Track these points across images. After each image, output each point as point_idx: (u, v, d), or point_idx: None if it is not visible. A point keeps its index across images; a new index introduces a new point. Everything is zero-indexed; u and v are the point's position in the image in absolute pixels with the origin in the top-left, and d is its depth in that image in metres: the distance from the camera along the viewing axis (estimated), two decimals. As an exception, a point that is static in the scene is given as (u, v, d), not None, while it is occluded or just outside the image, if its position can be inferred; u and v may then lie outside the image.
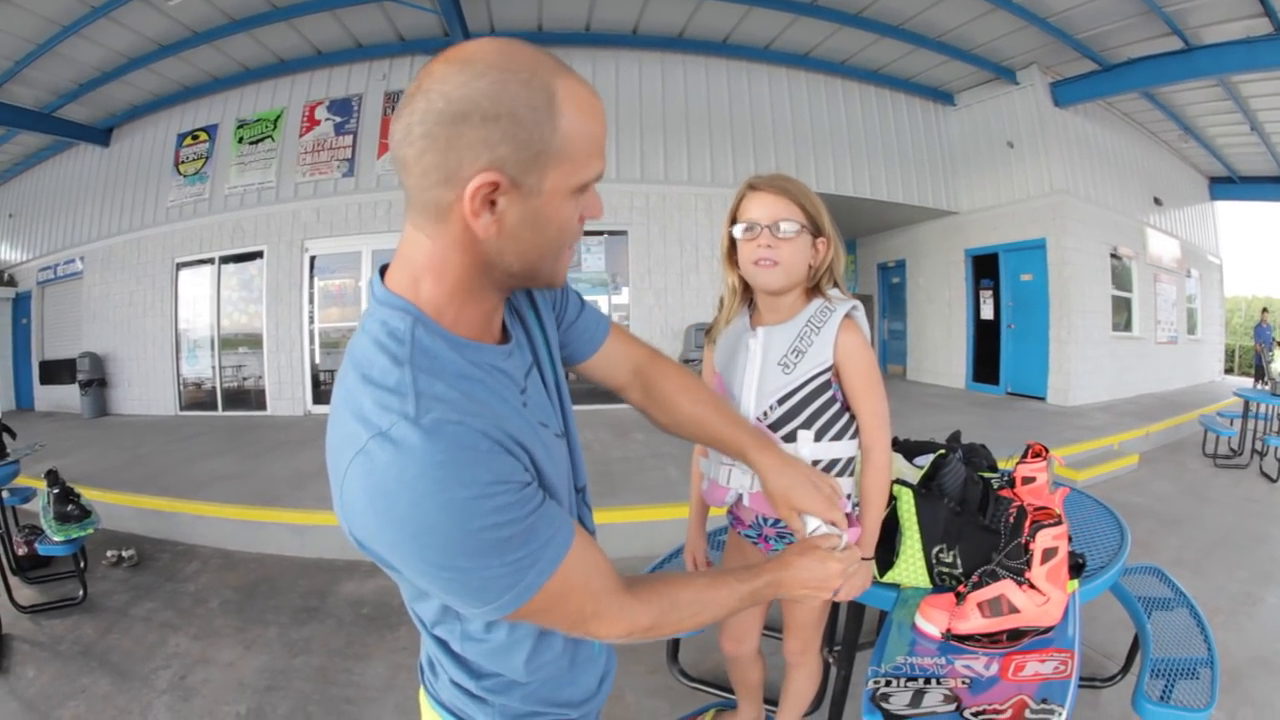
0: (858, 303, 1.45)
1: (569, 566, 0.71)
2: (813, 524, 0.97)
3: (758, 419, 1.45)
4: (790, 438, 1.41)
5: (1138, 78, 8.29)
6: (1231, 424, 6.67)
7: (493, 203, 0.67)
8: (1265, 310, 8.48)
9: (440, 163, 0.65)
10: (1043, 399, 9.10)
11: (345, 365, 0.72)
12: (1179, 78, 8.05)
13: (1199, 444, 6.87)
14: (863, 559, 1.41)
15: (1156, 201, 11.23)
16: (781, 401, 1.42)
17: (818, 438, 1.41)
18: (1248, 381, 12.86)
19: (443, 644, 0.84)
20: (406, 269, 0.74)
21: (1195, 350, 12.63)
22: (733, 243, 1.48)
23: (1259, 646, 2.88)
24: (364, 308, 0.78)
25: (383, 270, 0.77)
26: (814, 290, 1.47)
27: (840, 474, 1.44)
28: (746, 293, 1.56)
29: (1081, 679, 2.47)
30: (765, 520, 1.53)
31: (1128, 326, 10.32)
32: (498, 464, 0.67)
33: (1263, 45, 6.99)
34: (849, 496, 1.46)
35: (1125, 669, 2.48)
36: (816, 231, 1.43)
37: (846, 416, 1.43)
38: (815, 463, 1.40)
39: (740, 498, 1.49)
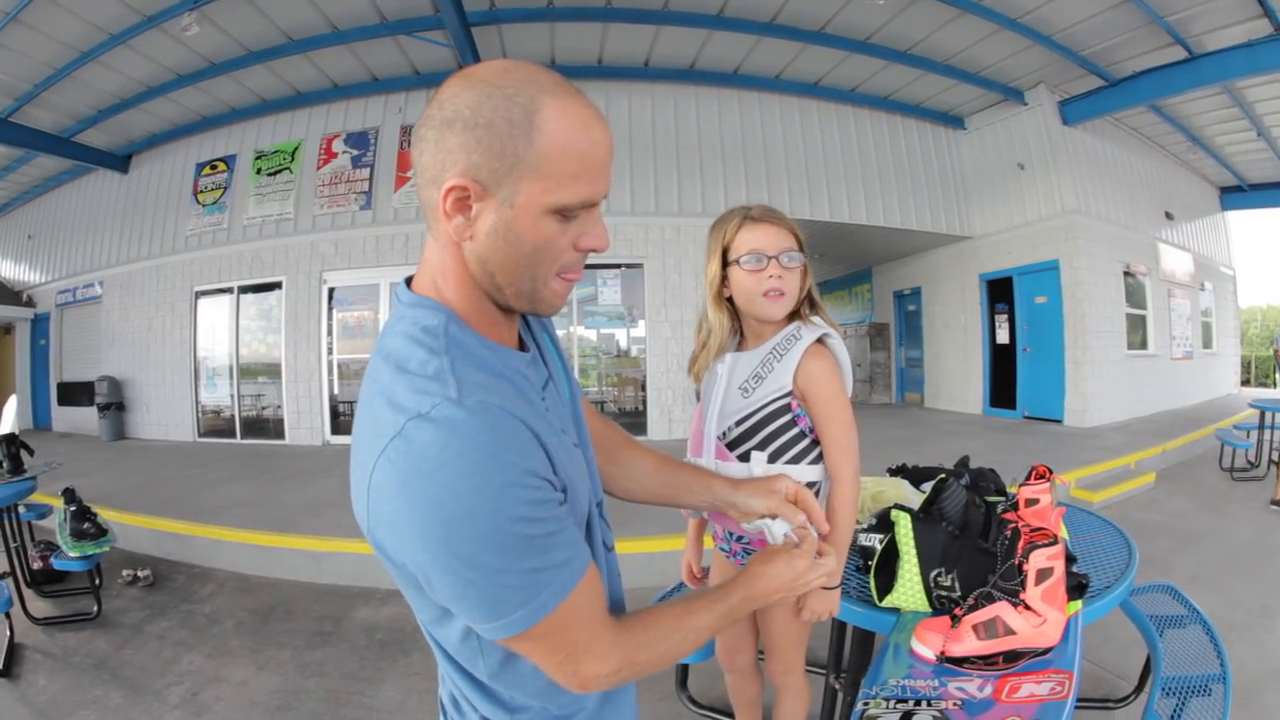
0: (830, 330, 1.47)
1: (579, 593, 0.70)
2: (779, 529, 0.99)
3: (718, 438, 1.51)
4: (745, 457, 1.47)
5: (1144, 91, 8.29)
6: (1248, 436, 6.60)
7: (469, 208, 0.70)
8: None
9: (430, 163, 0.70)
10: (1060, 421, 9.01)
11: (375, 363, 0.73)
12: (1184, 87, 8.05)
13: (1216, 459, 6.77)
14: (829, 588, 1.41)
15: (1168, 216, 11.16)
16: (739, 423, 1.48)
17: (772, 459, 1.46)
18: (1265, 393, 12.64)
19: (469, 677, 0.80)
20: (427, 273, 0.77)
21: (1211, 364, 12.47)
22: (723, 276, 1.51)
23: (1277, 660, 2.85)
24: (388, 316, 0.81)
25: (408, 281, 0.80)
26: (794, 315, 1.51)
27: None
28: (733, 324, 1.58)
29: (1095, 701, 2.50)
30: (731, 535, 1.60)
31: (1143, 344, 10.22)
32: (534, 454, 0.67)
33: (1264, 47, 6.99)
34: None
35: (1139, 689, 2.45)
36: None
37: (808, 441, 1.46)
38: None
39: (701, 514, 1.59)
